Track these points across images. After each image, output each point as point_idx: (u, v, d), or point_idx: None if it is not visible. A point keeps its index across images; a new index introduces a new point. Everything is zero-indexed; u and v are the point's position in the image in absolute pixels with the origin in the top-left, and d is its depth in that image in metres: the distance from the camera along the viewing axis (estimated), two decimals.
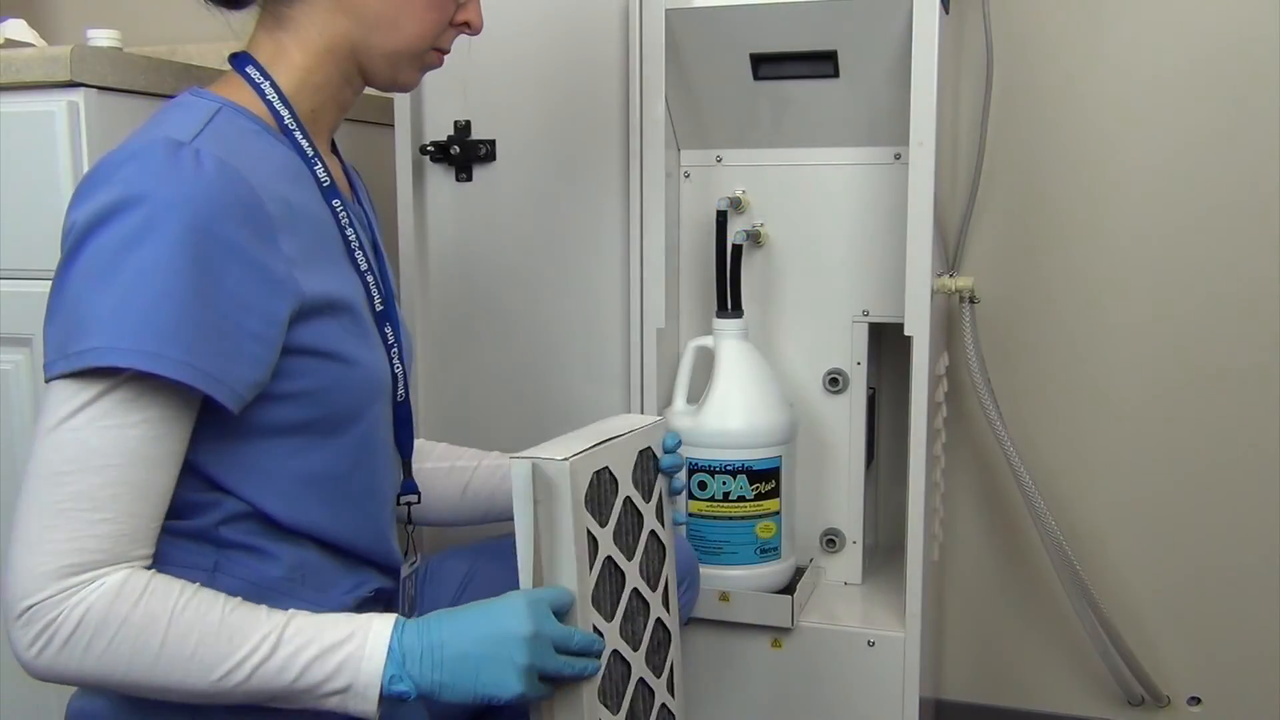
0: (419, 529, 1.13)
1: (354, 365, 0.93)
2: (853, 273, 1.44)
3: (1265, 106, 1.49)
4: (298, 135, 0.95)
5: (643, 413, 1.44)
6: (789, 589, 1.41)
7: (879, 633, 1.35)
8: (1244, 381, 1.53)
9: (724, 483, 1.35)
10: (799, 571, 1.45)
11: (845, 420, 1.47)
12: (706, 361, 1.41)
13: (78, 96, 1.17)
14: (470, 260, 1.53)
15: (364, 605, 1.00)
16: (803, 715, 1.39)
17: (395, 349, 1.01)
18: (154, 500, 0.82)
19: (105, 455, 0.79)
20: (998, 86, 1.55)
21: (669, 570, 1.11)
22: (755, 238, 1.43)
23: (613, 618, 0.98)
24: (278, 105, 0.95)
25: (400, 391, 1.02)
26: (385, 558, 1.02)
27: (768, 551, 1.39)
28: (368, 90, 1.04)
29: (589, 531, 0.95)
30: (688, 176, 1.48)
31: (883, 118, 1.37)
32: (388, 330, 1.00)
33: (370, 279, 0.99)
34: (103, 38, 1.33)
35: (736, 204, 1.43)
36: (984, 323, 1.60)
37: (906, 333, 1.32)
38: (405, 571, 1.07)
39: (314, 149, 0.96)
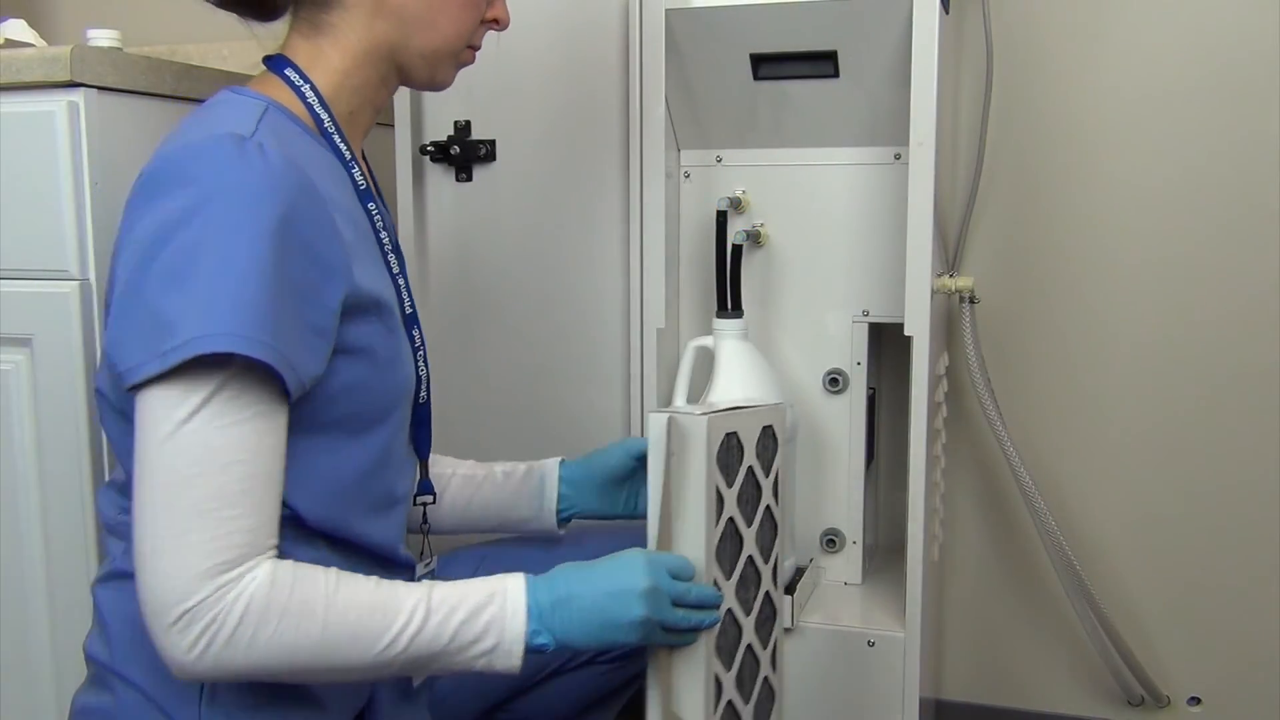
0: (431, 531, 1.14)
1: (389, 366, 0.94)
2: (853, 273, 1.44)
3: (1265, 106, 1.49)
4: (336, 138, 0.96)
5: (643, 413, 1.44)
6: (789, 589, 1.41)
7: (879, 633, 1.35)
8: (1244, 380, 1.53)
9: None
10: (799, 571, 1.45)
11: (845, 420, 1.47)
12: (706, 361, 1.41)
13: (78, 96, 1.17)
14: (470, 260, 1.53)
15: None
16: (802, 715, 1.39)
17: (421, 351, 1.03)
18: (277, 489, 0.84)
19: (229, 452, 0.80)
20: (998, 86, 1.55)
21: (779, 549, 1.14)
22: (755, 238, 1.43)
23: (730, 577, 1.03)
24: (318, 108, 0.96)
25: (422, 393, 1.04)
26: (399, 557, 1.03)
27: None
28: None
29: (717, 489, 1.00)
30: (688, 176, 1.48)
31: (883, 118, 1.37)
32: (415, 333, 1.02)
33: (401, 282, 1.01)
34: (103, 38, 1.33)
35: (736, 204, 1.43)
36: (984, 323, 1.60)
37: (906, 333, 1.32)
38: (420, 572, 1.08)
39: (351, 152, 0.98)
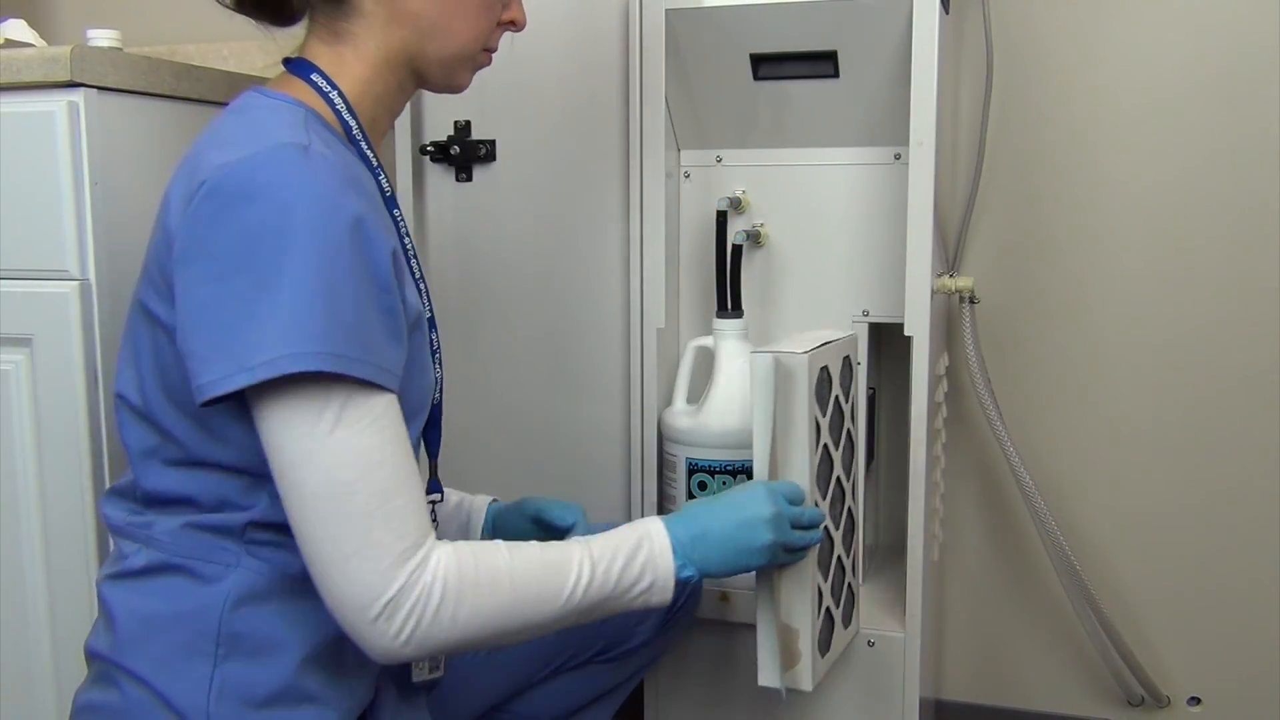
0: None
1: (420, 370, 0.96)
2: (853, 273, 1.44)
3: (1265, 106, 1.49)
4: (363, 145, 0.98)
5: (643, 413, 1.44)
6: None
7: (879, 633, 1.35)
8: (1244, 380, 1.53)
9: (724, 483, 1.35)
10: None
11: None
12: (706, 361, 1.41)
13: (78, 96, 1.17)
14: (470, 260, 1.53)
15: None
16: (803, 715, 1.39)
17: (438, 355, 1.05)
18: (418, 473, 0.88)
19: (377, 450, 0.84)
20: (998, 86, 1.55)
21: (857, 468, 1.28)
22: (755, 238, 1.43)
23: (825, 497, 1.16)
24: (346, 115, 0.97)
25: (436, 394, 1.05)
26: None
27: None
28: None
29: (815, 418, 1.11)
30: (688, 176, 1.48)
31: (883, 118, 1.37)
32: (433, 335, 1.03)
33: (422, 286, 1.02)
34: (103, 38, 1.33)
35: (736, 204, 1.43)
36: (984, 323, 1.60)
37: (906, 333, 1.32)
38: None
39: (377, 159, 0.99)
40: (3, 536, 1.24)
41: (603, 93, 1.43)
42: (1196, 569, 1.58)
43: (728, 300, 1.39)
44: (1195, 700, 1.61)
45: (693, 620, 1.34)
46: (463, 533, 1.23)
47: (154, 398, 0.91)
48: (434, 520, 1.15)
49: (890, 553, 1.58)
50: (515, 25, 1.06)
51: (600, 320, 1.48)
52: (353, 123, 0.97)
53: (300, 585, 0.93)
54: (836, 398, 1.19)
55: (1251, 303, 1.52)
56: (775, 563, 1.05)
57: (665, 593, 0.96)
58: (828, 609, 1.18)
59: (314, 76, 0.96)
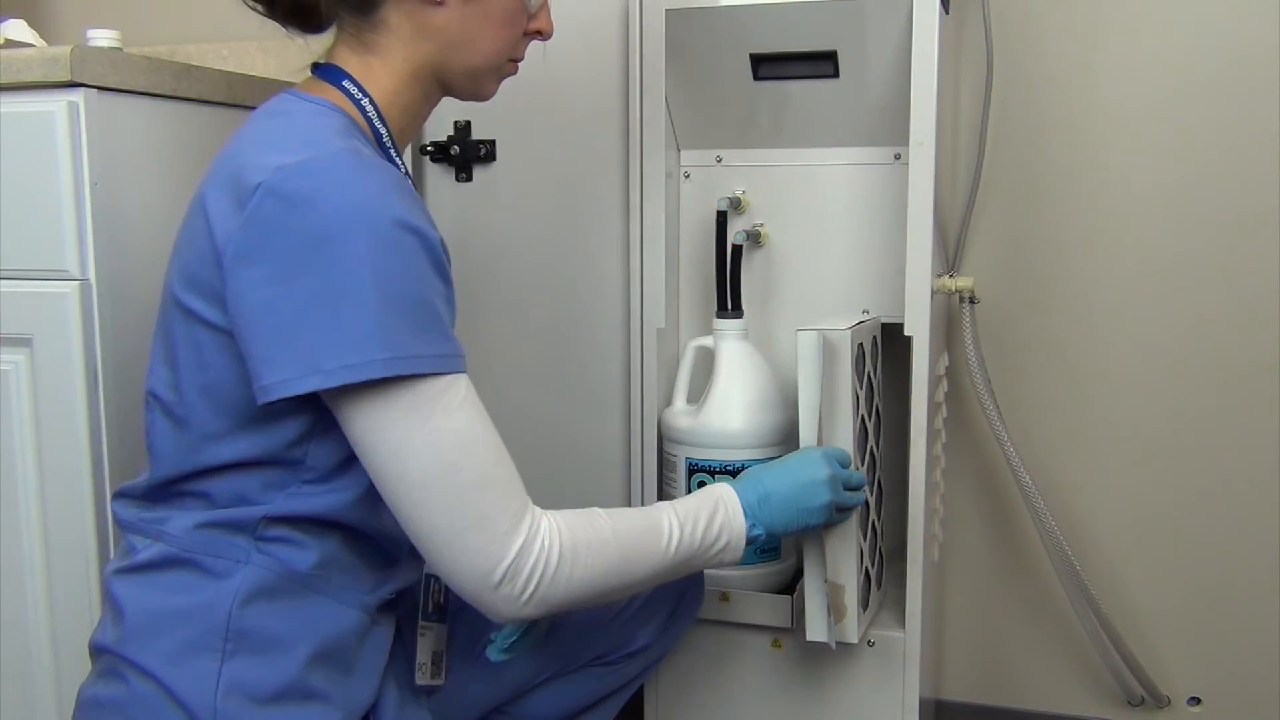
0: None
1: None
2: (853, 273, 1.44)
3: (1265, 106, 1.49)
4: (392, 152, 0.99)
5: (643, 413, 1.44)
6: (789, 589, 1.41)
7: (879, 633, 1.35)
8: (1244, 380, 1.53)
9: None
10: (799, 572, 1.45)
11: None
12: (706, 361, 1.41)
13: (78, 96, 1.17)
14: (470, 260, 1.53)
15: (385, 606, 1.03)
16: (803, 715, 1.39)
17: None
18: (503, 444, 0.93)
19: (471, 429, 0.88)
20: (998, 86, 1.55)
21: (883, 438, 1.38)
22: (755, 238, 1.43)
23: (864, 463, 1.27)
24: (377, 123, 0.99)
25: None
26: (409, 557, 1.06)
27: (768, 552, 1.39)
28: None
29: (855, 389, 1.22)
30: (688, 176, 1.48)
31: (883, 118, 1.37)
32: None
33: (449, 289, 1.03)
34: (103, 38, 1.33)
35: (736, 204, 1.43)
36: (984, 323, 1.60)
37: (906, 333, 1.32)
38: (430, 569, 1.11)
39: (405, 168, 1.00)
40: (3, 536, 1.24)
41: (603, 93, 1.43)
42: (1196, 569, 1.58)
43: (728, 300, 1.39)
44: (1195, 700, 1.61)
45: (693, 623, 1.34)
46: None
47: (189, 395, 0.92)
48: None
49: (890, 553, 1.57)
50: (542, 35, 1.08)
51: (600, 320, 1.48)
52: (383, 130, 0.99)
53: (308, 583, 0.94)
54: (869, 373, 1.29)
55: (1252, 302, 1.52)
56: (831, 521, 1.14)
57: (737, 551, 1.05)
58: (866, 568, 1.28)
59: (346, 83, 0.98)
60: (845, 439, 1.21)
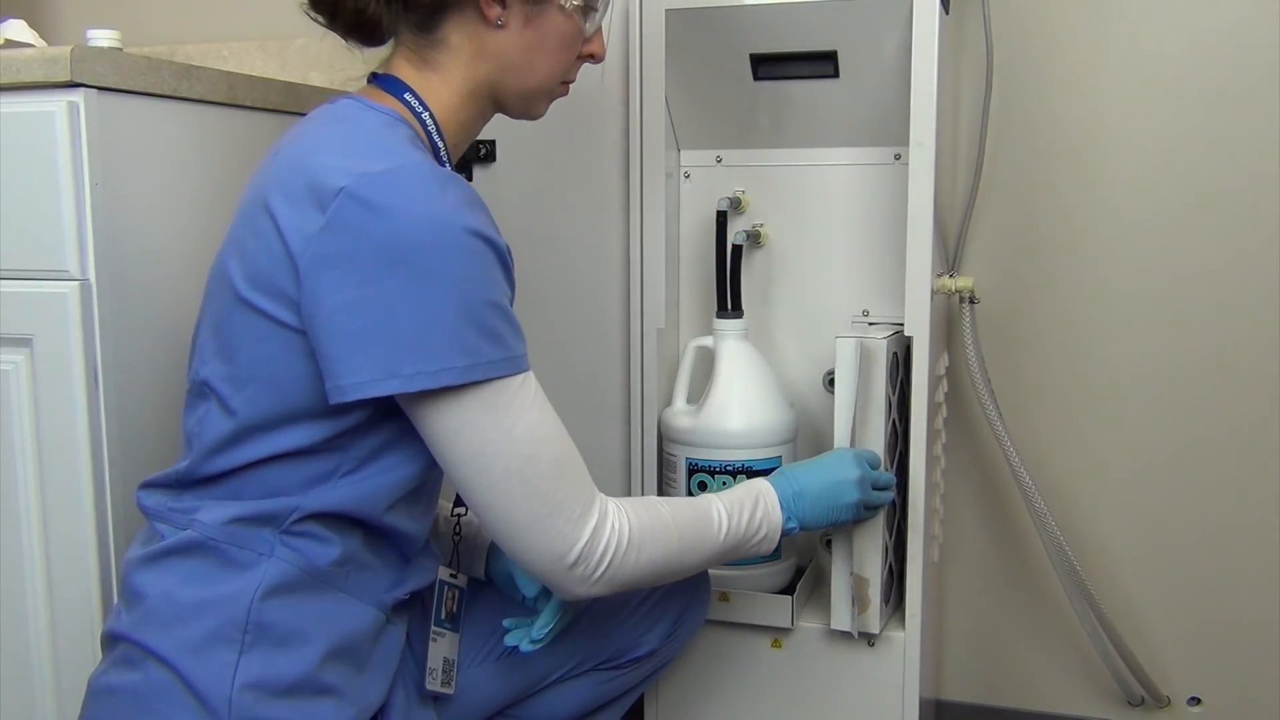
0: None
1: None
2: (853, 273, 1.44)
3: (1266, 106, 1.49)
4: (448, 166, 1.02)
5: (643, 413, 1.44)
6: (789, 589, 1.41)
7: (879, 633, 1.35)
8: (1245, 381, 1.53)
9: (724, 483, 1.35)
10: (799, 571, 1.46)
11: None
12: (706, 361, 1.41)
13: (78, 97, 1.17)
14: None
15: (399, 606, 1.05)
16: (803, 715, 1.39)
17: None
18: None
19: (544, 423, 0.94)
20: (998, 86, 1.55)
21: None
22: (755, 238, 1.43)
23: (892, 466, 1.33)
24: (435, 136, 1.02)
25: None
26: (421, 556, 1.08)
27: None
28: (363, 82, 1.05)
29: (889, 397, 1.30)
30: (688, 176, 1.48)
31: (883, 118, 1.37)
32: None
33: (513, 292, 1.05)
34: (103, 38, 1.33)
35: (736, 204, 1.43)
36: (984, 323, 1.60)
37: (906, 333, 1.32)
38: (443, 575, 1.14)
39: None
40: (2, 536, 1.24)
41: (603, 93, 1.43)
42: (1196, 569, 1.58)
43: (728, 300, 1.39)
44: (1195, 700, 1.61)
45: (699, 628, 1.34)
46: (470, 543, 1.24)
47: (247, 387, 0.94)
48: (457, 534, 1.21)
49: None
50: (595, 58, 1.11)
51: (600, 320, 1.48)
52: (441, 144, 1.01)
53: (328, 580, 0.96)
54: (901, 380, 1.36)
55: (1252, 303, 1.52)
56: (860, 519, 1.22)
57: (773, 543, 1.12)
58: (890, 564, 1.35)
59: (407, 96, 1.01)
60: (876, 441, 1.28)
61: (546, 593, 1.15)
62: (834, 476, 1.17)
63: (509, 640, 1.14)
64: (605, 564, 0.96)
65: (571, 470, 0.95)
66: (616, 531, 0.97)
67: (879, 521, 1.28)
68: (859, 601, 1.31)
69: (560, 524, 0.94)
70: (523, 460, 0.92)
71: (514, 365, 0.92)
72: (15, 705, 1.27)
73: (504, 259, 0.92)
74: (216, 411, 0.96)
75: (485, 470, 0.91)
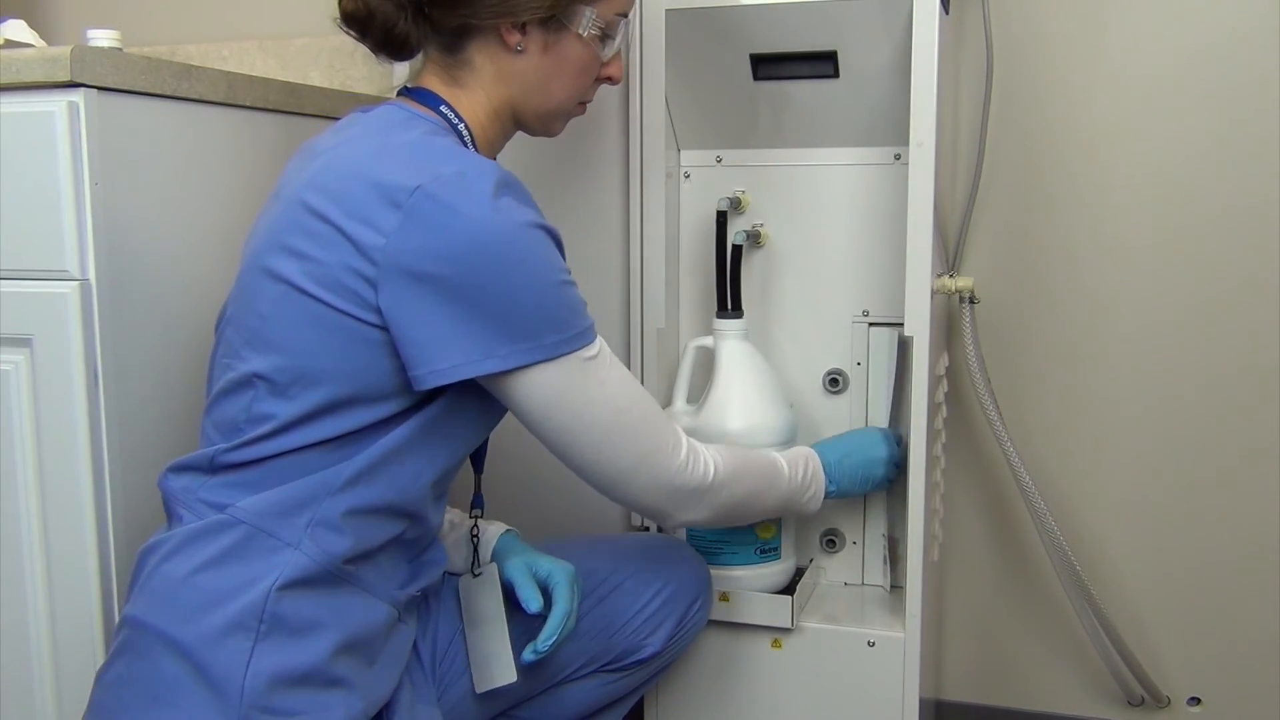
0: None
1: None
2: (853, 273, 1.44)
3: (1265, 107, 1.49)
4: None
5: None
6: (789, 589, 1.41)
7: (879, 633, 1.35)
8: (1244, 381, 1.53)
9: None
10: (799, 571, 1.46)
11: (845, 420, 1.47)
12: (706, 361, 1.41)
13: (78, 97, 1.17)
14: None
15: (409, 604, 1.07)
16: (803, 715, 1.39)
17: None
18: None
19: (625, 378, 1.03)
20: (998, 86, 1.55)
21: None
22: (755, 238, 1.43)
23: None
24: (470, 147, 1.06)
25: None
26: (435, 555, 1.11)
27: (768, 552, 1.39)
28: (362, 82, 1.06)
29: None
30: (688, 176, 1.48)
31: (883, 118, 1.37)
32: None
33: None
34: (103, 38, 1.33)
35: (736, 204, 1.43)
36: (984, 323, 1.60)
37: (906, 333, 1.32)
38: (469, 576, 1.19)
39: None
40: (3, 536, 1.24)
41: (603, 93, 1.43)
42: (1197, 569, 1.58)
43: (728, 300, 1.39)
44: (1195, 700, 1.61)
45: (701, 631, 1.34)
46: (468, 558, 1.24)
47: (307, 375, 0.96)
48: (475, 534, 1.23)
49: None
50: (613, 81, 1.15)
51: (600, 320, 1.48)
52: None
53: (345, 575, 0.98)
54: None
55: (1253, 302, 1.52)
56: (881, 489, 1.38)
57: (818, 502, 1.26)
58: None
59: (443, 109, 1.05)
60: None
61: (550, 604, 1.15)
62: (869, 453, 1.32)
63: (523, 654, 1.14)
64: (707, 487, 1.07)
65: (656, 412, 1.05)
66: (708, 460, 1.07)
67: (904, 487, 1.36)
68: (890, 558, 1.46)
69: (662, 459, 1.04)
70: (619, 412, 1.00)
71: (591, 333, 1.00)
72: (15, 705, 1.27)
73: (559, 242, 1.00)
74: (267, 398, 0.97)
75: (589, 429, 1.00)
